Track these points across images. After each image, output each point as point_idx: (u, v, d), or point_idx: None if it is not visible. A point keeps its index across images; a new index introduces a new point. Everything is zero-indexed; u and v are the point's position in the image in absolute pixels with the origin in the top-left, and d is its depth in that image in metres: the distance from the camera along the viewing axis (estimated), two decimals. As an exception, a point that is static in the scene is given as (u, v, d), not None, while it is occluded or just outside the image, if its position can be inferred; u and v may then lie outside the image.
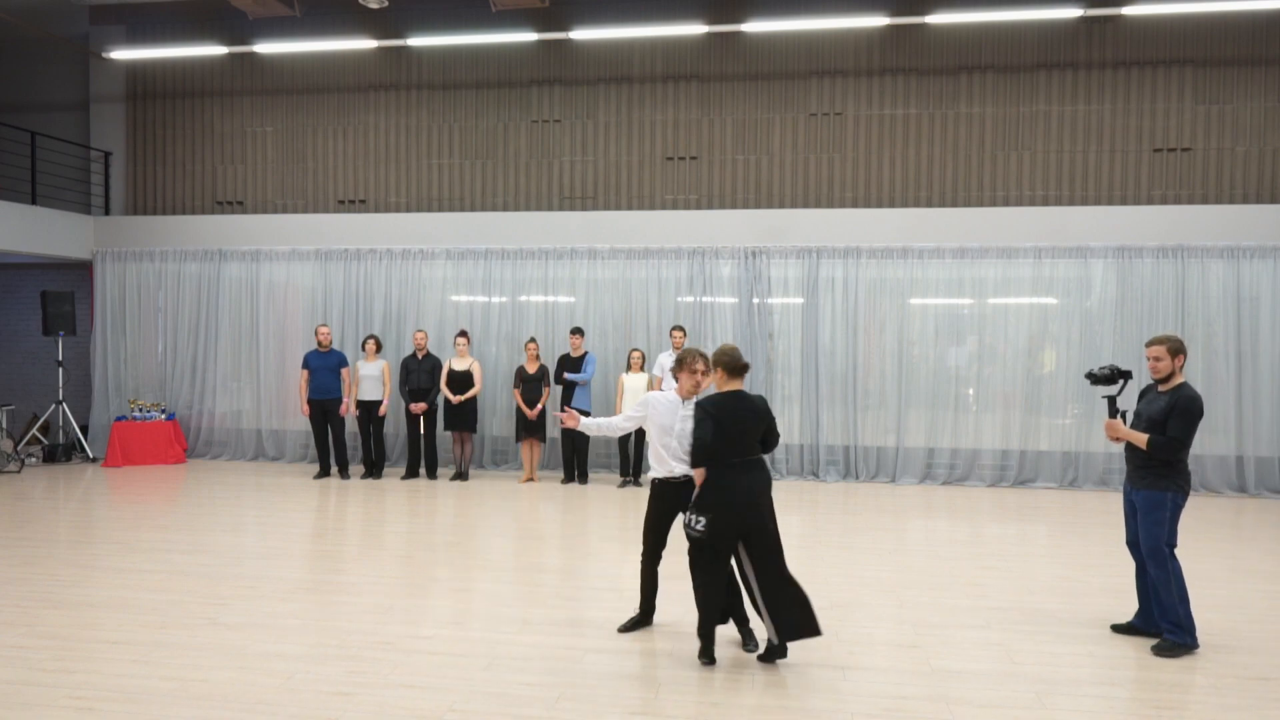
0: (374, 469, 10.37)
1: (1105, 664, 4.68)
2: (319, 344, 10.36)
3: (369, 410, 10.27)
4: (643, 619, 5.20)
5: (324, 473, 10.41)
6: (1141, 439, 4.86)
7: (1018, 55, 10.56)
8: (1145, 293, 9.97)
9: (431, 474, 10.37)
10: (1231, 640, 5.07)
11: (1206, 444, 9.74)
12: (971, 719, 4.01)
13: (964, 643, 4.97)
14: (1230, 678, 4.54)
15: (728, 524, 4.49)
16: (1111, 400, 5.13)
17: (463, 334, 10.30)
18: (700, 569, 4.62)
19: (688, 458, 4.77)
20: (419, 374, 10.21)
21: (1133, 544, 5.15)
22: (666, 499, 4.96)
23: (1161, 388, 4.95)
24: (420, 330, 10.46)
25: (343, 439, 10.37)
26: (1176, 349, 4.88)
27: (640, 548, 5.17)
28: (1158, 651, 4.84)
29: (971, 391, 10.33)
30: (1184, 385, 4.88)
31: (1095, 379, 5.17)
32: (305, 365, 10.34)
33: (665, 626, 5.20)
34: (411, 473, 10.37)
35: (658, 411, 4.90)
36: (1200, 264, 9.93)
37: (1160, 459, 4.83)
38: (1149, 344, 4.96)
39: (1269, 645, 5.00)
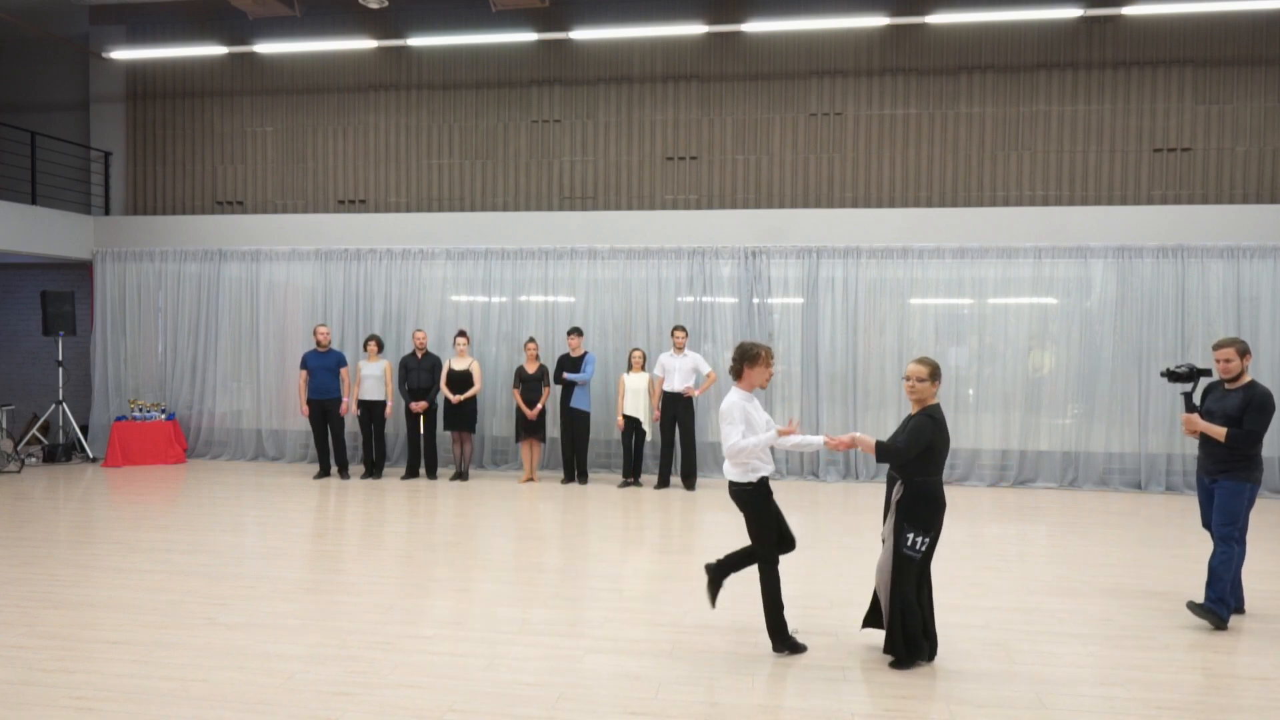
0: (374, 469, 10.37)
1: (1105, 664, 4.68)
2: (317, 344, 10.36)
3: (370, 410, 10.28)
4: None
5: (324, 473, 10.42)
6: (1220, 432, 5.20)
7: (1018, 55, 10.56)
8: (1145, 293, 9.98)
9: (431, 474, 10.37)
10: (1232, 640, 5.08)
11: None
12: (971, 719, 4.01)
13: (964, 643, 4.97)
14: (1230, 677, 4.54)
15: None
16: (1188, 396, 5.46)
17: (462, 334, 10.30)
18: (912, 587, 4.51)
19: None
20: (419, 373, 10.21)
21: (1209, 526, 5.47)
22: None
23: (1230, 385, 5.32)
24: (420, 330, 10.46)
25: (342, 439, 10.37)
26: (1244, 350, 5.28)
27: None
28: (1194, 609, 5.28)
29: (971, 391, 10.34)
30: (1254, 382, 5.25)
31: (1175, 376, 5.52)
32: (304, 365, 10.35)
33: (665, 626, 5.20)
34: (411, 473, 10.37)
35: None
36: (1200, 264, 9.93)
37: (1240, 451, 5.18)
38: (1217, 347, 5.32)
39: (1269, 645, 5.00)
